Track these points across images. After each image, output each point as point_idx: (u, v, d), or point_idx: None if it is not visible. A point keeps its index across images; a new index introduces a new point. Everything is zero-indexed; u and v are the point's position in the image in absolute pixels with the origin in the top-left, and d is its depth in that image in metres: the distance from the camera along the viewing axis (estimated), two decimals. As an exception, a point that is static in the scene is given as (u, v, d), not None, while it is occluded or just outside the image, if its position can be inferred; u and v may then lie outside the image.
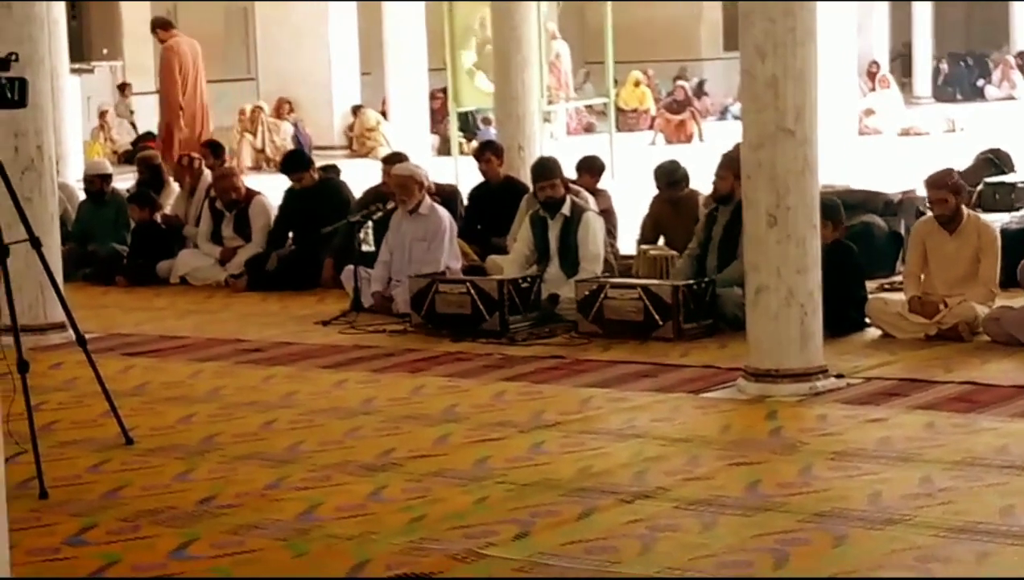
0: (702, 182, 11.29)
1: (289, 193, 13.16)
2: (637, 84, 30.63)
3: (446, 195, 12.74)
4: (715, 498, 6.33)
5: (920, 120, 27.04)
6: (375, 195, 12.45)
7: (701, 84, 31.62)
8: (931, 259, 9.71)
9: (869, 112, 26.69)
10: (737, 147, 9.32)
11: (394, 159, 12.61)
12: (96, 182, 14.23)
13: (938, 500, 6.19)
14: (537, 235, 10.79)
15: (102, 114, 26.40)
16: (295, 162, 13.50)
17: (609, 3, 21.54)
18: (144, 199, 13.90)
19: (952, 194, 9.64)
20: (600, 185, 12.58)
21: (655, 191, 12.03)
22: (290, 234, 13.03)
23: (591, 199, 12.00)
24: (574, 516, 6.18)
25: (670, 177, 11.81)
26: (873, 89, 27.76)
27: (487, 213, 12.58)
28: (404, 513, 6.29)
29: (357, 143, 26.29)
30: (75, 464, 7.30)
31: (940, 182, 9.72)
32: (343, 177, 14.10)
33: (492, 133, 19.08)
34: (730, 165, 9.94)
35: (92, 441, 7.74)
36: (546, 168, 10.86)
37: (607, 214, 11.88)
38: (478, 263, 11.80)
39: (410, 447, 7.38)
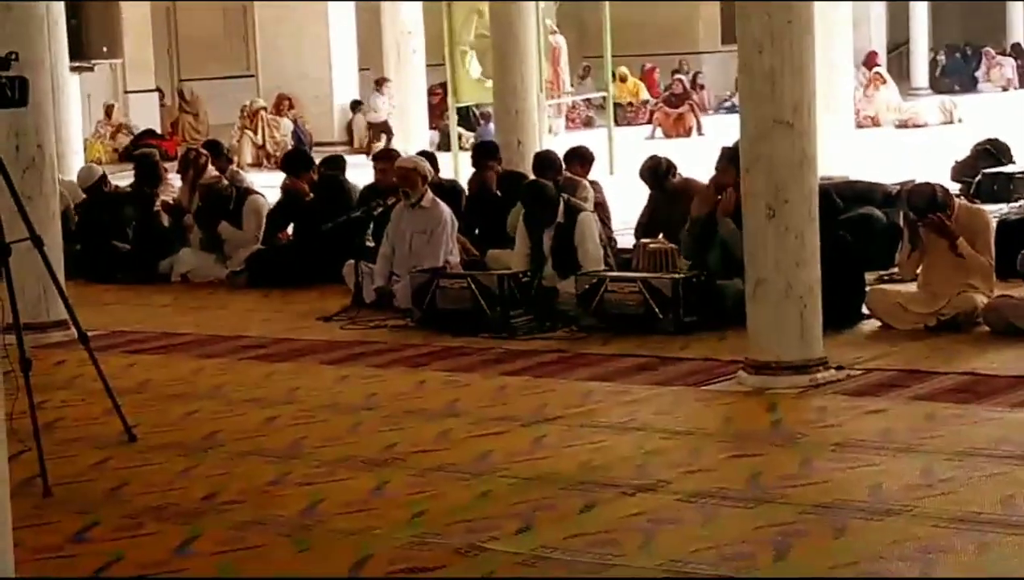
0: (704, 176, 11.27)
1: (288, 191, 13.19)
2: (624, 79, 30.44)
3: (449, 190, 12.75)
4: (716, 490, 6.36)
5: (918, 110, 27.02)
6: (372, 191, 12.46)
7: (695, 77, 31.50)
8: (929, 252, 9.69)
9: (868, 99, 26.70)
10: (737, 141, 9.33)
11: (386, 155, 12.62)
12: (95, 188, 14.23)
13: (938, 491, 6.21)
14: (533, 237, 10.79)
15: (108, 110, 26.44)
16: (295, 162, 13.50)
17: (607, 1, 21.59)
18: (140, 198, 13.92)
19: (948, 211, 9.54)
20: (592, 177, 12.61)
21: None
22: (289, 229, 13.05)
23: (589, 187, 12.02)
24: (576, 510, 6.20)
25: (655, 174, 11.79)
26: (869, 85, 27.75)
27: (487, 211, 12.56)
28: (406, 508, 6.31)
29: (367, 133, 26.10)
30: (78, 462, 7.33)
31: (932, 209, 9.51)
32: (349, 169, 14.10)
33: (491, 130, 19.07)
34: (732, 158, 9.95)
35: (95, 438, 7.77)
36: (537, 197, 10.84)
37: (599, 206, 11.91)
38: (478, 257, 11.81)
39: (412, 442, 7.40)
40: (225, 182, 13.61)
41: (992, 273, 9.66)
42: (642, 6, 32.30)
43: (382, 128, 25.66)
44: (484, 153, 13.37)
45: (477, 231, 12.54)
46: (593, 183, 12.44)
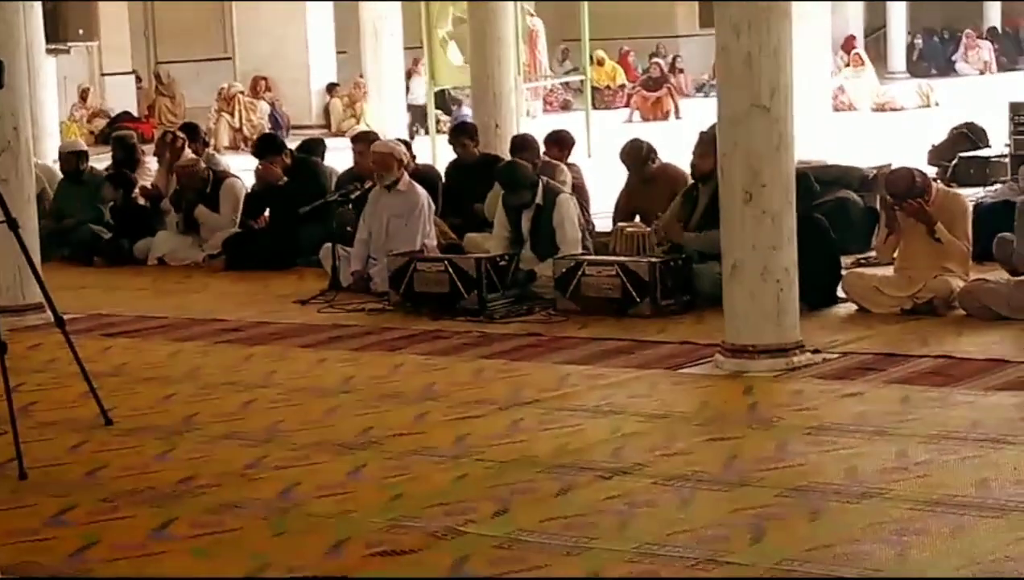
0: (681, 159, 11.29)
1: (260, 177, 13.15)
2: (602, 63, 30.36)
3: (426, 177, 12.73)
4: (692, 474, 6.37)
5: (895, 94, 27.05)
6: (351, 176, 12.44)
7: (674, 60, 31.51)
8: (905, 235, 9.70)
9: (843, 89, 26.73)
10: (714, 126, 9.34)
11: (364, 137, 12.60)
12: (71, 160, 14.22)
13: (913, 474, 6.22)
14: (511, 219, 10.80)
15: (83, 93, 26.31)
16: (266, 146, 13.41)
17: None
18: (120, 179, 13.89)
19: (926, 196, 9.55)
20: (571, 160, 12.61)
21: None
22: (266, 212, 13.03)
23: (567, 171, 12.01)
24: (552, 493, 6.21)
25: (637, 157, 11.76)
26: (848, 65, 27.78)
27: (465, 188, 12.57)
28: (383, 491, 6.31)
29: (345, 116, 26.00)
30: (54, 445, 7.31)
31: (910, 194, 9.52)
32: (328, 152, 14.06)
33: (467, 113, 19.03)
34: (710, 143, 9.95)
35: (71, 422, 7.75)
36: (515, 178, 10.81)
37: (578, 190, 11.90)
38: (456, 241, 11.81)
39: (389, 425, 7.40)
40: (202, 165, 13.57)
41: (968, 257, 9.68)
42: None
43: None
44: (461, 131, 13.40)
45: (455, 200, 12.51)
46: (571, 166, 12.44)
